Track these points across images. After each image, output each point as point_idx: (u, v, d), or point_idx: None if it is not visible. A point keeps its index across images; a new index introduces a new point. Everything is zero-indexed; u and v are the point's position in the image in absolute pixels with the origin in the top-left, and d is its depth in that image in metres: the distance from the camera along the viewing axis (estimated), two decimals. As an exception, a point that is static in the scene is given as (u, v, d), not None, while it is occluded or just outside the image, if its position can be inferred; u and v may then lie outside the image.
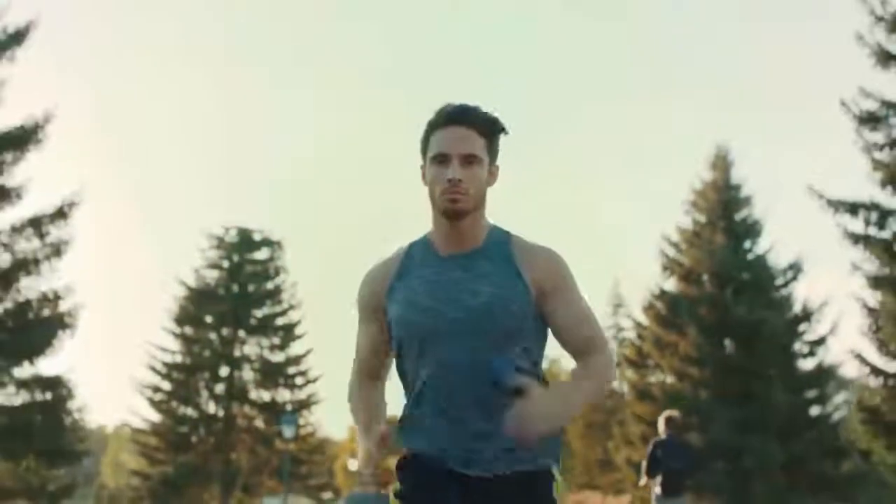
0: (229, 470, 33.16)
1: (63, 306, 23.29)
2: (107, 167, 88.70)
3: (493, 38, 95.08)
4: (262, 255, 36.17)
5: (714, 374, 28.56)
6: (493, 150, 2.55)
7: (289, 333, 35.48)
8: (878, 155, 22.53)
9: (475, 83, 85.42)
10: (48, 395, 23.33)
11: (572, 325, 2.52)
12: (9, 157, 23.03)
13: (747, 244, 30.51)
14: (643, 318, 32.26)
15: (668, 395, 28.66)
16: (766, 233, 30.74)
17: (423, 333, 2.49)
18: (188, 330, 34.75)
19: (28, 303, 23.13)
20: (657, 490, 11.03)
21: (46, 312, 23.19)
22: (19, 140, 22.99)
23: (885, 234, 22.44)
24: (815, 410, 29.53)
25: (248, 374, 34.89)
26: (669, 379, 30.55)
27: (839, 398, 31.40)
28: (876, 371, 22.48)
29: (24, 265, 22.98)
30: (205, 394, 34.33)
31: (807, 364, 29.59)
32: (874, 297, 22.63)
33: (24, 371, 23.07)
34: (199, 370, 34.35)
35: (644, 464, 11.21)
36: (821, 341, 29.21)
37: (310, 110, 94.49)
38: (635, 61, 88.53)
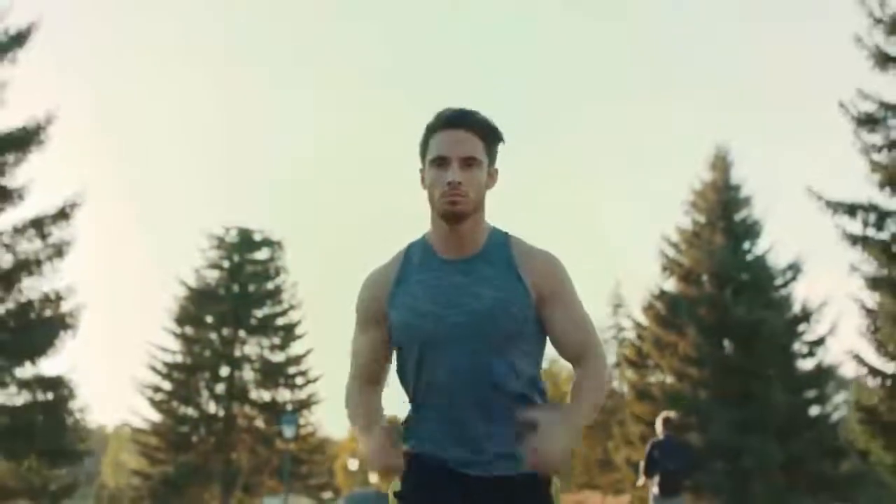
0: (230, 470, 33.20)
1: (65, 307, 23.32)
2: (107, 167, 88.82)
3: (493, 38, 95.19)
4: (262, 255, 36.23)
5: (713, 374, 28.61)
6: (492, 153, 2.55)
7: (289, 333, 35.54)
8: (876, 156, 22.56)
9: (475, 83, 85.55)
10: (50, 396, 23.33)
11: (570, 330, 2.54)
12: (11, 158, 23.06)
13: (747, 245, 30.57)
14: (643, 319, 32.32)
15: (668, 396, 28.73)
16: (766, 233, 30.92)
17: (424, 337, 2.49)
18: (189, 330, 34.80)
19: (30, 303, 23.15)
20: (655, 490, 11.12)
21: (48, 313, 23.21)
22: (21, 141, 23.02)
23: (884, 236, 22.46)
24: (814, 410, 29.58)
25: (248, 373, 34.94)
26: (669, 379, 30.60)
27: (838, 398, 31.45)
28: (874, 371, 22.51)
29: (26, 266, 23.01)
30: (205, 394, 34.37)
31: (806, 364, 29.66)
32: (872, 298, 22.68)
33: (25, 371, 23.08)
34: (200, 370, 34.39)
35: (642, 464, 11.32)
36: (820, 341, 29.26)
37: (310, 110, 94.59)
38: (635, 61, 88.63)
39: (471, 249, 2.53)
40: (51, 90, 67.63)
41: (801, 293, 34.28)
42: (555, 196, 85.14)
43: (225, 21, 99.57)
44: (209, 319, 34.89)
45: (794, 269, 30.08)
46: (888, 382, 22.30)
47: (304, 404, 35.07)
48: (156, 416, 33.97)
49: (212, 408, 34.32)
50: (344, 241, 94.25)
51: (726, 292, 29.45)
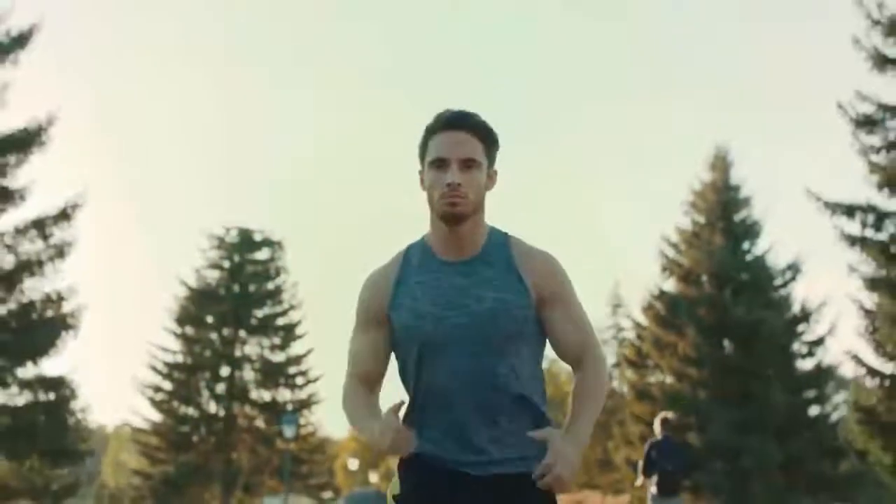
0: (230, 469, 33.22)
1: (66, 307, 23.39)
2: (108, 168, 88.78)
3: (493, 38, 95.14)
4: (262, 255, 36.25)
5: (713, 374, 28.62)
6: (491, 155, 2.55)
7: (289, 333, 35.55)
8: (874, 157, 22.61)
9: (475, 83, 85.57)
10: (51, 396, 23.38)
11: (570, 331, 2.55)
12: (12, 159, 23.14)
13: (746, 245, 30.58)
14: (642, 319, 32.34)
15: (668, 396, 28.77)
16: (765, 233, 30.83)
17: (424, 339, 2.50)
18: (189, 330, 34.81)
19: (31, 304, 23.22)
20: (653, 490, 11.21)
21: (50, 313, 23.28)
22: (22, 142, 23.10)
23: (882, 236, 22.51)
24: (813, 410, 29.57)
25: (248, 373, 34.95)
26: (669, 379, 30.62)
27: (838, 398, 31.46)
28: (872, 372, 22.54)
29: (28, 266, 23.08)
30: (206, 393, 34.37)
31: (805, 364, 29.64)
32: (871, 299, 22.72)
33: (27, 371, 23.15)
34: (200, 370, 34.40)
35: (640, 464, 11.41)
36: (819, 342, 29.25)
37: (310, 110, 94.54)
38: (635, 61, 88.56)
39: (470, 251, 2.54)
40: (52, 91, 67.52)
41: (800, 293, 34.30)
42: (555, 196, 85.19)
43: (225, 21, 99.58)
44: (210, 319, 34.91)
45: (794, 269, 30.10)
46: (886, 383, 22.34)
47: (305, 404, 35.10)
48: (156, 416, 33.97)
49: (212, 408, 34.33)
50: (344, 241, 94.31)
51: (726, 292, 29.48)
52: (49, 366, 23.63)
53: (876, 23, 22.43)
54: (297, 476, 33.73)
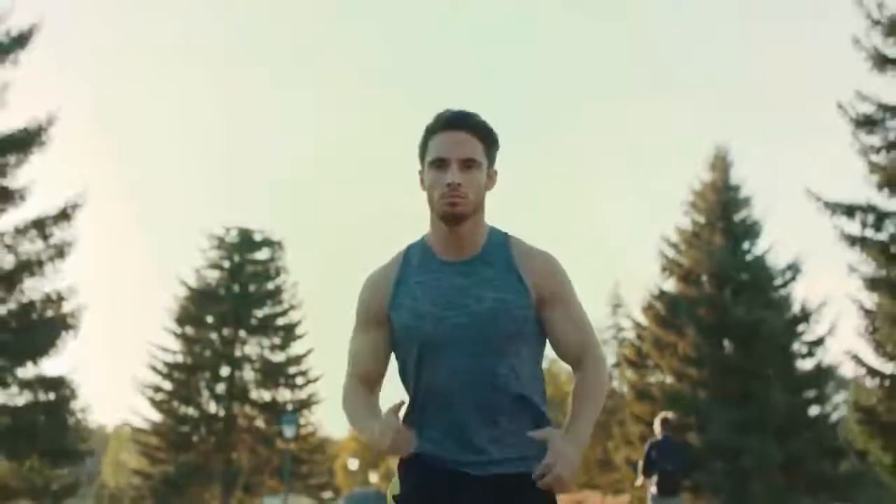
0: (230, 469, 33.24)
1: (66, 307, 23.42)
2: (108, 168, 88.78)
3: (493, 38, 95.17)
4: (262, 255, 36.27)
5: (713, 374, 28.64)
6: (491, 155, 2.55)
7: (289, 333, 35.57)
8: (874, 157, 22.63)
9: (475, 83, 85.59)
10: (51, 396, 23.41)
11: (570, 331, 2.56)
12: (12, 159, 23.17)
13: (746, 245, 30.60)
14: (643, 319, 32.36)
15: (668, 396, 28.78)
16: (765, 233, 30.87)
17: (424, 339, 2.49)
18: (189, 330, 34.83)
19: (31, 304, 23.24)
20: (653, 490, 11.24)
21: (50, 313, 23.30)
22: (22, 142, 23.12)
23: (882, 236, 22.52)
24: (813, 410, 29.58)
25: (248, 373, 34.97)
26: (669, 379, 30.63)
27: (838, 398, 31.45)
28: (872, 372, 22.56)
29: (28, 266, 23.11)
30: (206, 393, 34.40)
31: (805, 364, 29.65)
32: (871, 299, 22.74)
33: (27, 371, 23.17)
34: (200, 370, 34.42)
35: (640, 464, 11.43)
36: (819, 341, 29.26)
37: (310, 110, 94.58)
38: (635, 61, 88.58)
39: (470, 251, 2.54)
40: (52, 91, 67.58)
41: (800, 293, 34.32)
42: (555, 196, 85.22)
43: (225, 21, 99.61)
44: (210, 319, 34.93)
45: (794, 269, 30.12)
46: (886, 383, 22.35)
47: (305, 404, 35.12)
48: (156, 416, 33.99)
49: (212, 408, 34.35)
50: (344, 241, 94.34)
51: (726, 292, 29.50)
52: (49, 366, 23.68)
53: (876, 23, 22.44)
54: (297, 476, 33.75)
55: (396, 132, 79.21)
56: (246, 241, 35.97)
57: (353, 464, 63.63)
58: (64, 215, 23.41)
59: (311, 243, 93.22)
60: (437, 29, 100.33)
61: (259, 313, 35.37)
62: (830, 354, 29.23)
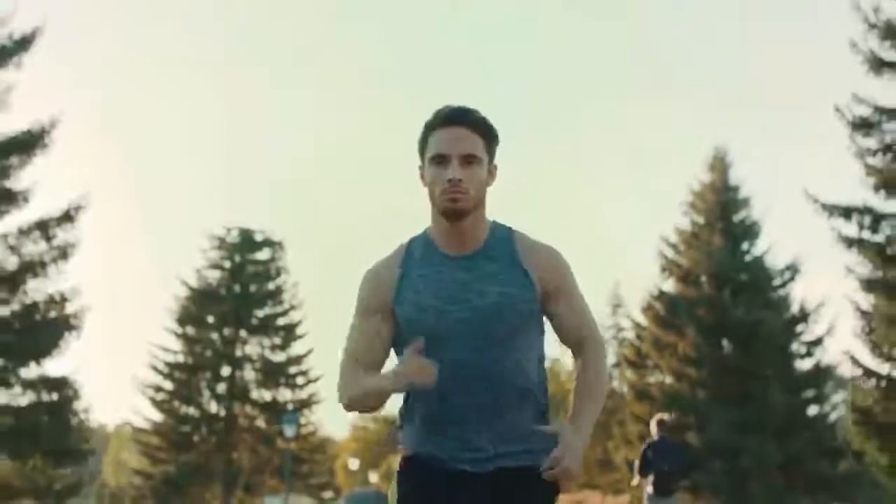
0: (231, 469, 33.32)
1: (69, 308, 23.50)
2: (109, 169, 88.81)
3: (493, 37, 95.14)
4: (263, 255, 36.34)
5: (712, 374, 28.70)
6: (491, 150, 2.56)
7: (290, 333, 35.65)
8: (871, 160, 22.71)
9: (475, 83, 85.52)
10: (54, 396, 23.48)
11: (574, 323, 2.60)
12: (15, 160, 23.26)
13: (745, 245, 30.66)
14: (642, 319, 32.41)
15: (667, 396, 28.87)
16: (764, 234, 30.87)
17: (427, 333, 2.47)
18: (190, 330, 34.90)
19: (35, 305, 23.33)
20: (649, 490, 11.40)
21: (53, 314, 23.38)
22: (26, 144, 23.22)
23: (878, 238, 22.59)
24: (812, 410, 29.62)
25: (249, 373, 35.04)
26: (668, 379, 30.68)
27: (837, 398, 31.52)
28: (869, 373, 22.63)
29: (31, 267, 23.20)
30: (206, 393, 34.46)
31: (804, 364, 29.68)
32: (867, 300, 22.82)
33: (30, 372, 23.24)
34: (201, 370, 34.50)
35: (636, 464, 11.59)
36: (818, 342, 29.33)
37: (310, 110, 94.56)
38: (635, 61, 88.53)
39: (472, 245, 2.55)
40: (55, 94, 67.81)
41: (799, 293, 34.39)
42: (554, 196, 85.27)
43: (225, 21, 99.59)
44: (210, 319, 35.00)
45: (793, 269, 30.18)
46: (883, 384, 22.42)
47: (305, 404, 35.20)
48: (157, 416, 34.04)
49: (213, 407, 34.42)
50: (344, 241, 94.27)
51: (725, 293, 29.56)
52: (52, 366, 23.71)
53: (873, 26, 22.54)
54: (297, 476, 33.85)
55: (397, 132, 79.24)
56: (247, 242, 36.04)
57: (354, 464, 63.76)
58: (67, 217, 23.50)
59: (311, 243, 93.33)
60: (437, 29, 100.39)
61: (260, 313, 35.45)
62: (829, 354, 29.31)
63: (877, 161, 22.74)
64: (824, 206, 22.99)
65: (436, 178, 2.50)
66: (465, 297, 2.50)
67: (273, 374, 34.96)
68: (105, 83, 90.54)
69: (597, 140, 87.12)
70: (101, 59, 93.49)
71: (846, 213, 22.67)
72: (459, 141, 2.49)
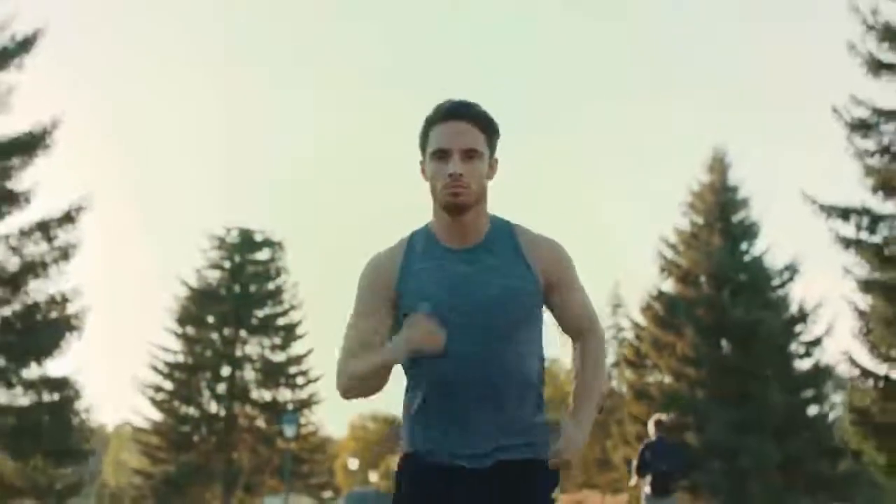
0: (231, 469, 33.36)
1: (70, 309, 23.53)
2: (109, 169, 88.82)
3: (493, 37, 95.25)
4: (263, 255, 36.38)
5: (711, 374, 28.76)
6: (492, 144, 2.56)
7: (290, 333, 35.70)
8: (869, 161, 22.76)
9: (475, 83, 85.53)
10: (55, 396, 23.52)
11: (576, 314, 2.63)
12: (17, 161, 23.29)
13: (744, 246, 30.73)
14: (641, 319, 32.48)
15: (666, 396, 28.93)
16: (763, 234, 30.96)
17: None
18: (190, 330, 34.95)
19: (36, 305, 23.37)
20: (647, 490, 11.50)
21: (54, 315, 23.41)
22: (27, 146, 23.26)
23: (876, 239, 22.63)
24: (811, 410, 29.68)
25: (249, 373, 35.08)
26: (667, 379, 30.75)
27: (836, 398, 31.59)
28: (866, 373, 22.67)
29: (32, 268, 23.23)
30: (206, 393, 34.51)
31: (803, 364, 29.77)
32: (865, 301, 22.87)
33: (31, 372, 23.25)
34: (201, 370, 34.54)
35: (634, 464, 11.70)
36: (817, 342, 29.40)
37: (310, 110, 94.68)
38: (635, 61, 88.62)
39: (473, 239, 2.55)
40: (56, 95, 67.88)
41: (798, 294, 34.46)
42: (554, 196, 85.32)
43: (225, 21, 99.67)
44: (210, 319, 35.05)
45: (791, 270, 30.26)
46: (881, 384, 22.46)
47: (305, 404, 35.26)
48: (157, 416, 34.10)
49: (213, 407, 34.47)
50: (344, 241, 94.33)
51: (724, 293, 29.63)
52: (53, 367, 23.75)
53: (870, 28, 22.59)
54: (297, 476, 33.90)
55: (397, 132, 79.27)
56: (247, 242, 36.09)
57: (354, 463, 63.82)
58: (68, 218, 23.53)
59: (311, 243, 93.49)
60: (437, 29, 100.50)
61: (260, 313, 35.50)
62: (828, 355, 29.36)
63: (875, 162, 22.78)
64: (822, 207, 23.04)
65: (437, 173, 2.50)
66: (468, 289, 2.49)
67: (273, 374, 35.00)
68: (105, 83, 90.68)
69: (596, 140, 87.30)
70: (101, 60, 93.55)
71: (844, 213, 22.71)
72: (460, 135, 2.49)
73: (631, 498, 30.65)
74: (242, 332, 35.03)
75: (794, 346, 29.76)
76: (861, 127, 22.80)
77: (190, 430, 34.25)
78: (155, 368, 34.05)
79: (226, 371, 34.75)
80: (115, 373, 62.39)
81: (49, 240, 23.38)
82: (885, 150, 22.75)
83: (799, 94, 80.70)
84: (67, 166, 30.91)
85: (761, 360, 28.07)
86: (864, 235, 22.64)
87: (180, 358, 34.57)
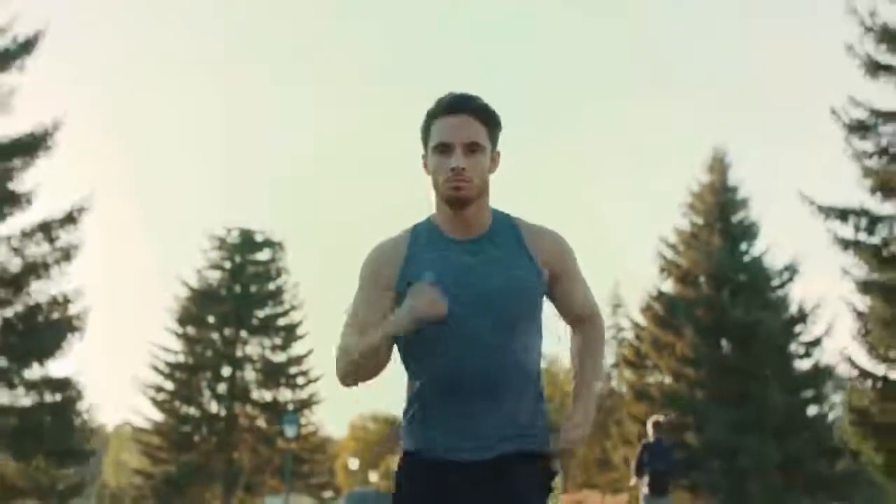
0: (231, 469, 33.41)
1: (72, 309, 23.57)
2: (110, 170, 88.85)
3: (493, 35, 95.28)
4: (263, 255, 36.43)
5: (711, 374, 28.82)
6: (494, 138, 2.56)
7: (290, 334, 35.74)
8: (867, 162, 22.82)
9: (475, 81, 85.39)
10: (57, 397, 23.56)
11: (577, 304, 2.67)
12: (19, 163, 23.33)
13: (744, 246, 30.81)
14: (641, 319, 32.54)
15: (666, 396, 29.00)
16: (763, 235, 31.06)
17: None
18: (191, 330, 34.99)
19: (38, 306, 23.40)
20: (645, 490, 11.60)
21: (56, 315, 23.44)
22: (29, 147, 23.30)
23: (875, 240, 22.67)
24: (811, 411, 29.77)
25: (249, 373, 35.13)
26: (667, 379, 30.81)
27: (836, 398, 31.65)
28: (865, 374, 22.72)
29: (34, 269, 23.28)
30: (207, 393, 34.55)
31: (802, 364, 29.84)
32: (863, 302, 22.92)
33: (33, 373, 23.28)
34: (202, 370, 34.58)
35: (633, 465, 11.81)
36: (816, 342, 29.47)
37: (310, 108, 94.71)
38: (635, 59, 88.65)
39: (477, 230, 2.56)
40: (58, 96, 67.92)
41: (797, 294, 34.55)
42: (554, 195, 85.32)
43: (225, 19, 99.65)
44: (211, 320, 35.10)
45: (791, 270, 30.33)
46: (879, 384, 22.52)
47: (306, 404, 35.30)
48: (158, 416, 34.13)
49: (213, 407, 34.51)
50: (345, 241, 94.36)
51: (723, 293, 29.69)
52: (55, 367, 23.81)
53: (868, 30, 22.65)
54: (298, 476, 33.95)
55: (397, 130, 79.35)
56: (247, 242, 36.14)
57: (354, 463, 63.85)
58: (70, 218, 23.57)
59: (312, 243, 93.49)
60: (438, 26, 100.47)
61: (260, 313, 35.55)
62: (827, 355, 29.40)
63: (873, 163, 22.83)
64: (821, 208, 23.09)
65: (439, 167, 2.50)
66: (471, 280, 2.50)
67: (273, 374, 35.05)
68: (106, 82, 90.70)
69: (597, 140, 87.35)
70: (102, 61, 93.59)
71: (843, 214, 22.77)
72: (462, 129, 2.49)
73: (631, 498, 30.73)
74: (243, 333, 35.08)
75: (793, 347, 29.83)
76: (859, 128, 22.86)
77: (190, 431, 34.30)
78: (155, 368, 34.10)
79: (226, 371, 34.80)
80: (115, 373, 62.42)
81: (51, 241, 23.41)
82: (883, 152, 22.81)
83: (798, 94, 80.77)
84: (68, 166, 30.92)
85: (761, 360, 28.13)
86: (862, 236, 22.68)
87: (181, 358, 34.62)
